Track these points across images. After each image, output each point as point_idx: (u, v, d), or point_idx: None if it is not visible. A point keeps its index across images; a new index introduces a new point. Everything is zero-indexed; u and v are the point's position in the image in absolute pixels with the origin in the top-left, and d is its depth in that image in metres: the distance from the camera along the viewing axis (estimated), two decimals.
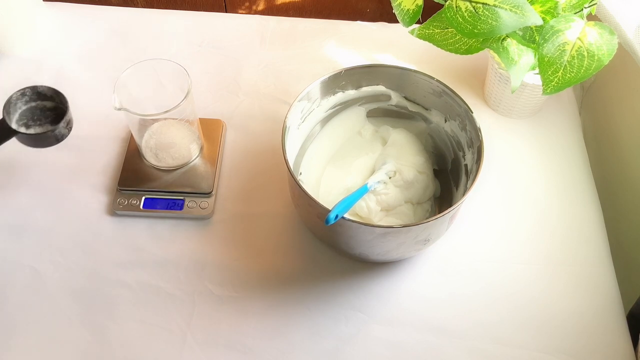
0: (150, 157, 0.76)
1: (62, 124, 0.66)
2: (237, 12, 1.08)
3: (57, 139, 0.67)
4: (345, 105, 0.77)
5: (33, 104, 0.67)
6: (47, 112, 0.68)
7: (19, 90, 0.66)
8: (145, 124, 0.75)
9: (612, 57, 0.63)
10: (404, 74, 0.73)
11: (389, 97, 0.76)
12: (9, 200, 0.76)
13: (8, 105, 0.65)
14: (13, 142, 0.82)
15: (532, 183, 0.79)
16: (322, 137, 0.78)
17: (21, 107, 0.67)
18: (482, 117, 0.83)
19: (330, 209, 0.59)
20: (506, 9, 0.62)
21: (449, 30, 0.73)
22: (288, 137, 0.67)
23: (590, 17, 0.70)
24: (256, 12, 1.08)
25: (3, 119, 0.64)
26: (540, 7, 0.67)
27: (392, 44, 0.94)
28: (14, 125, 0.65)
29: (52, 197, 0.76)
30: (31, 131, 0.66)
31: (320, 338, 0.66)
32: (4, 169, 0.78)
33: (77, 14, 0.97)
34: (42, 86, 0.67)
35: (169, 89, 0.88)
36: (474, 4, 0.63)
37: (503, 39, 0.68)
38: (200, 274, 0.70)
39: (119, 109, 0.67)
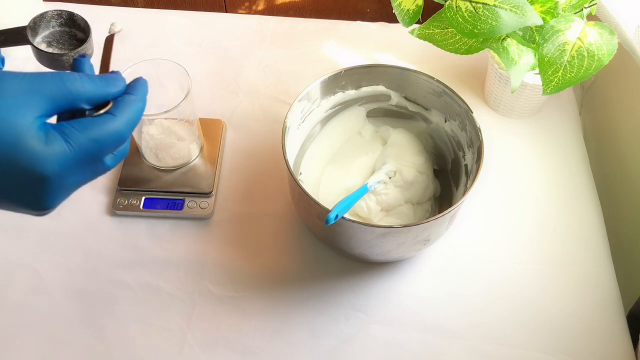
0: (150, 157, 0.76)
1: (72, 53, 0.65)
2: (237, 12, 1.08)
3: (64, 66, 0.66)
4: (345, 105, 0.77)
5: (67, 28, 0.68)
6: (75, 42, 0.69)
7: (56, 10, 0.66)
8: (145, 124, 0.75)
9: (612, 57, 0.63)
10: (404, 74, 0.73)
11: (389, 97, 0.77)
12: None
13: (40, 19, 0.66)
14: None
15: (532, 183, 0.79)
16: (322, 137, 0.78)
17: (54, 27, 0.67)
18: (482, 117, 0.83)
19: (330, 209, 0.59)
20: (506, 9, 0.62)
21: (449, 30, 0.73)
22: (288, 137, 0.67)
23: (590, 17, 0.70)
24: (256, 12, 1.08)
25: (26, 28, 0.64)
26: (540, 7, 0.67)
27: (392, 44, 0.94)
28: (37, 39, 0.66)
29: None
30: (47, 50, 0.66)
31: (320, 338, 0.66)
32: None
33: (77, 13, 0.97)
34: (78, 15, 0.68)
35: (169, 89, 0.88)
36: (474, 4, 0.63)
37: (503, 39, 0.68)
38: (200, 274, 0.70)
39: None
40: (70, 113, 0.40)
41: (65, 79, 0.38)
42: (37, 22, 0.66)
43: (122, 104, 0.41)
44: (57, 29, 0.67)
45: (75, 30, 0.69)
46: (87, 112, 0.40)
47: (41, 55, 0.66)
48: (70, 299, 0.68)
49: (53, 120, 0.40)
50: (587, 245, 0.73)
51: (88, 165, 0.39)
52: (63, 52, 0.65)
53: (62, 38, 0.68)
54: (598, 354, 0.65)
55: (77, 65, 0.44)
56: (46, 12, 0.66)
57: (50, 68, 0.67)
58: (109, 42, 0.48)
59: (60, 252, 0.71)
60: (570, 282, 0.70)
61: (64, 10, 0.67)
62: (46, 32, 0.67)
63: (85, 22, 0.68)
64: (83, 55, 0.45)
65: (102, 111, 0.41)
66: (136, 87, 0.44)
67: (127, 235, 0.73)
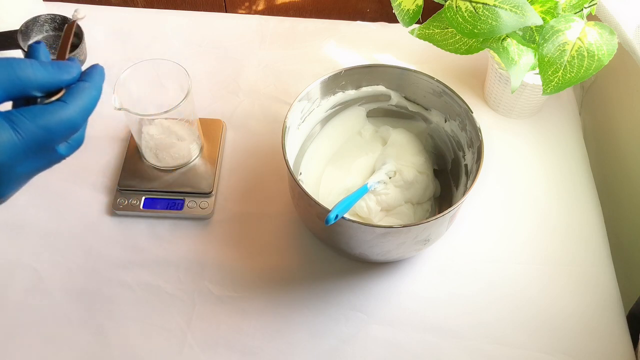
0: (150, 157, 0.76)
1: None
2: (237, 12, 1.08)
3: None
4: (345, 105, 0.77)
5: (60, 33, 0.65)
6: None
7: (49, 14, 0.64)
8: (145, 124, 0.75)
9: (612, 57, 0.63)
10: (404, 74, 0.73)
11: (389, 97, 0.76)
12: (8, 200, 0.75)
13: (33, 23, 0.63)
14: None
15: (532, 183, 0.79)
16: (322, 137, 0.78)
17: (47, 31, 0.65)
18: (482, 117, 0.83)
19: (330, 209, 0.59)
20: (506, 9, 0.62)
21: (449, 30, 0.73)
22: (288, 137, 0.67)
23: (590, 17, 0.70)
24: (256, 12, 1.08)
25: (17, 32, 0.62)
26: (540, 7, 0.67)
27: (392, 44, 0.94)
28: (30, 43, 0.64)
29: (52, 197, 0.76)
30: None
31: (320, 338, 0.66)
32: None
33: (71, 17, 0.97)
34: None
35: (169, 89, 0.88)
36: (474, 4, 0.63)
37: (503, 39, 0.68)
38: (200, 274, 0.70)
39: (119, 109, 0.67)
40: (25, 100, 0.40)
41: (15, 65, 0.38)
42: (29, 26, 0.64)
43: (75, 92, 0.40)
44: (51, 33, 0.66)
45: None
46: (38, 100, 0.40)
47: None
48: (70, 299, 0.68)
49: (8, 106, 0.39)
50: (587, 245, 0.73)
51: (39, 154, 0.39)
52: (54, 57, 0.65)
53: (56, 43, 0.67)
54: (598, 354, 0.65)
55: (32, 51, 0.42)
56: (39, 16, 0.64)
57: None
58: (69, 28, 0.47)
59: (60, 252, 0.71)
60: (570, 282, 0.70)
61: (58, 15, 0.66)
62: (39, 37, 0.65)
63: (79, 26, 0.66)
64: (38, 42, 0.44)
65: (53, 98, 0.40)
66: (91, 74, 0.43)
67: (127, 235, 0.73)
